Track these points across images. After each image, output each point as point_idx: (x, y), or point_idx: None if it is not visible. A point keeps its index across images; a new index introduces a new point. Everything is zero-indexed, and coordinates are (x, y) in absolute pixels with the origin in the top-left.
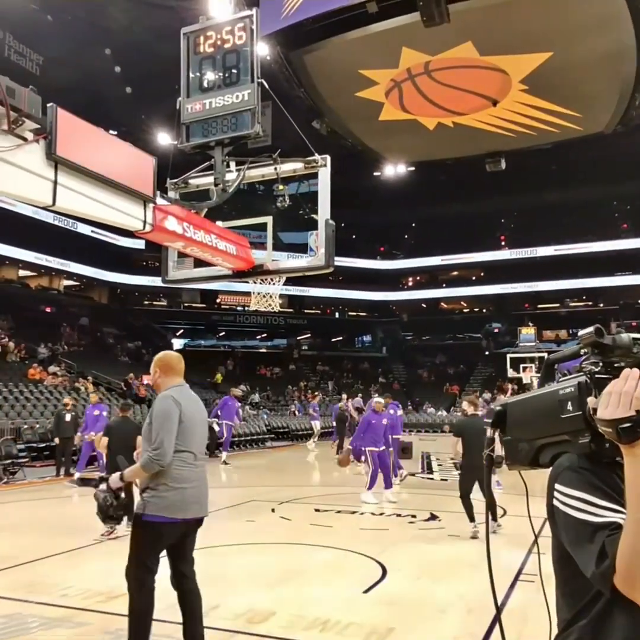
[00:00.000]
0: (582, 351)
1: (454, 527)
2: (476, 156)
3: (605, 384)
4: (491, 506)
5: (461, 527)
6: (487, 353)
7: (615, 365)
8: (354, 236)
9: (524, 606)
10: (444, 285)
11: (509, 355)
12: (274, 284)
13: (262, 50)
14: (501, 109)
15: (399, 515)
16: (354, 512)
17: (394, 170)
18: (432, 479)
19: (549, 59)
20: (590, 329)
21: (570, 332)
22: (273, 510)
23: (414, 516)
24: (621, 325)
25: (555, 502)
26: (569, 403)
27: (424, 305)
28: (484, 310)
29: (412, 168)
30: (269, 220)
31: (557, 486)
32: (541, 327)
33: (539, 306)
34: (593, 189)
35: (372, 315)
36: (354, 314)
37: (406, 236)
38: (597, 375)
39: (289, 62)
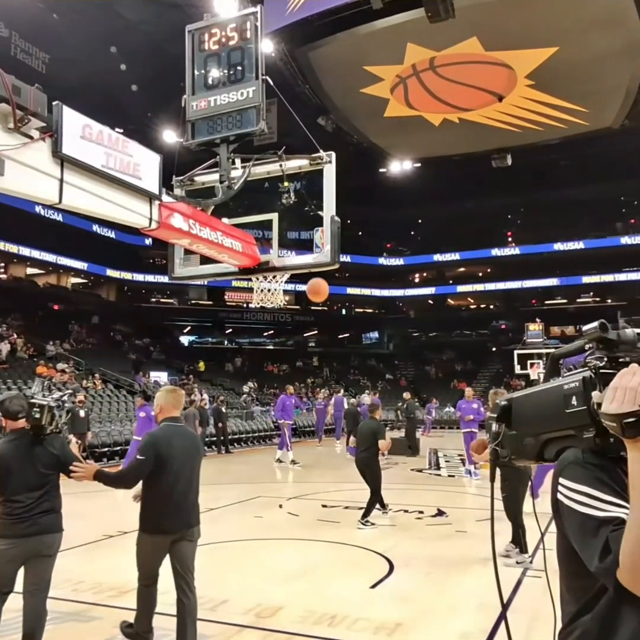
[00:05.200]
0: (587, 346)
1: (461, 523)
2: (482, 152)
3: (610, 378)
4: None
5: (469, 524)
6: (494, 349)
7: (620, 360)
8: (360, 233)
9: (533, 601)
10: (451, 281)
11: (516, 352)
12: (277, 281)
13: (267, 47)
14: (507, 105)
15: (406, 511)
16: (361, 508)
17: (400, 166)
18: (439, 475)
19: (555, 54)
20: (595, 324)
21: (577, 328)
22: (280, 506)
23: (421, 512)
24: (629, 321)
25: (559, 497)
26: (574, 398)
27: (431, 302)
28: (492, 307)
29: (418, 165)
30: (274, 217)
31: (561, 481)
32: (549, 323)
33: (546, 302)
34: (601, 185)
35: (379, 312)
36: (361, 310)
37: (413, 233)
38: (601, 370)
39: (294, 59)
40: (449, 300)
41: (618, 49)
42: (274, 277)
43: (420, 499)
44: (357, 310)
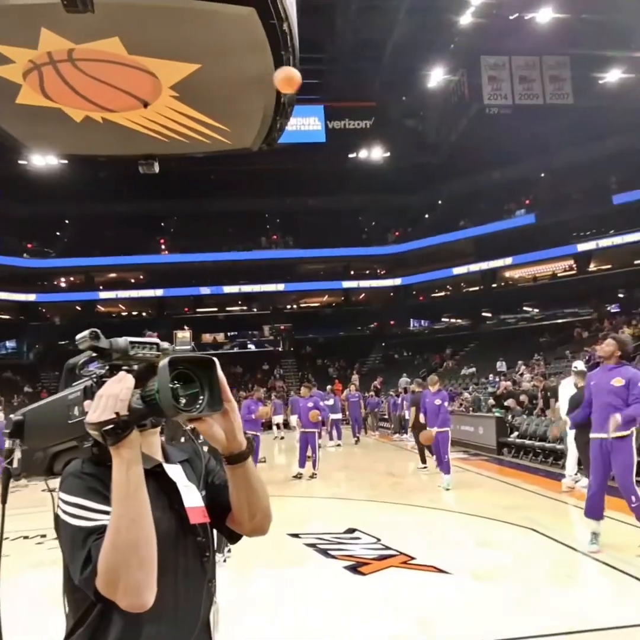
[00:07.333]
0: (93, 355)
1: None
2: (128, 156)
3: None
4: None
5: None
6: None
7: (122, 368)
8: None
9: None
10: (102, 287)
11: None
12: None
13: None
14: (153, 112)
15: (26, 537)
16: None
17: (43, 161)
18: None
19: (197, 70)
20: (86, 332)
21: (228, 335)
22: None
23: (43, 536)
24: (273, 328)
25: (58, 511)
26: (76, 408)
27: (80, 308)
28: (145, 314)
29: (65, 161)
30: None
31: (60, 494)
32: (200, 330)
33: (198, 310)
34: (249, 200)
35: (17, 318)
36: None
37: (59, 233)
38: (103, 379)
39: None
40: (99, 306)
41: (255, 77)
42: None
43: (48, 521)
44: None
